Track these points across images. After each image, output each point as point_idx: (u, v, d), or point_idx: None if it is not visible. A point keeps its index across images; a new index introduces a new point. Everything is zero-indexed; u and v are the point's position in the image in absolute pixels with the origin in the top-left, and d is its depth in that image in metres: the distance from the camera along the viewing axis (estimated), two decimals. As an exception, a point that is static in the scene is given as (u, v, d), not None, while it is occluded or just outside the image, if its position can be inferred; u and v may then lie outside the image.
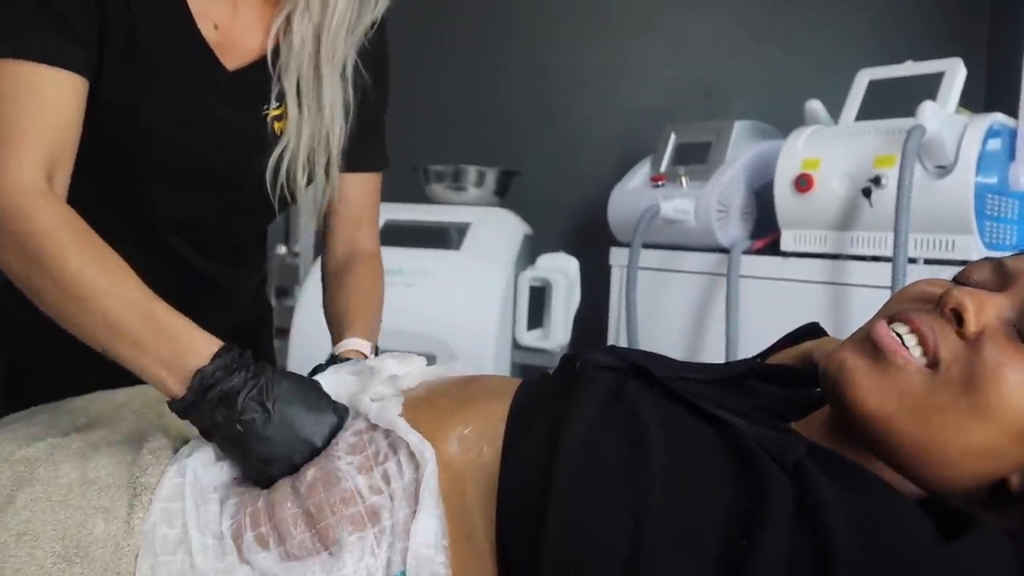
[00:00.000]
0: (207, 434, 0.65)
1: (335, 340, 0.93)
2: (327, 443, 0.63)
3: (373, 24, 0.89)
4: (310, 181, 0.92)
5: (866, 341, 0.58)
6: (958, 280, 0.60)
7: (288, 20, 0.85)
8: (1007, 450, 0.54)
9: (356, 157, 0.95)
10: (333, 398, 0.68)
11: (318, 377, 0.72)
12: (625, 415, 0.57)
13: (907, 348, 0.56)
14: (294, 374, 0.67)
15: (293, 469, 0.62)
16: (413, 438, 0.59)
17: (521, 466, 0.56)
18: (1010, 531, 0.52)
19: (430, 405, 0.64)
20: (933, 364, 0.55)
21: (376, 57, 0.95)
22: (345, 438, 0.63)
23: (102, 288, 0.66)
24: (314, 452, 0.63)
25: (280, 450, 0.62)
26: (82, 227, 0.71)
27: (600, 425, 0.56)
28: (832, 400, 0.60)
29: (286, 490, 0.60)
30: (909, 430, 0.55)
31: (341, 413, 0.66)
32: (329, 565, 0.55)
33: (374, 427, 0.63)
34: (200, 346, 0.65)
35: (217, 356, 0.64)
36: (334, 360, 0.87)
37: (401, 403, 0.64)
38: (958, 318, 0.55)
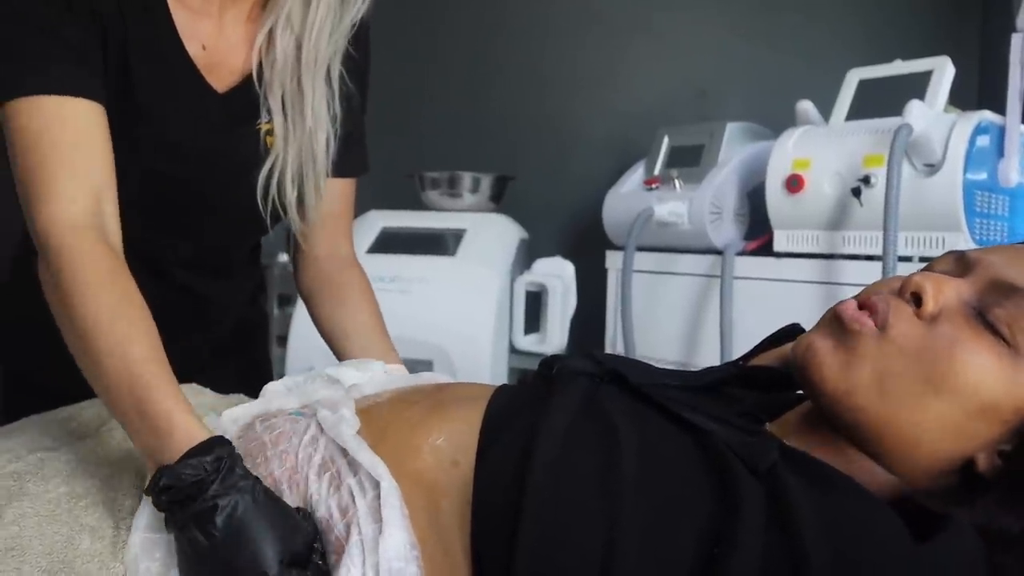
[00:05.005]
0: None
1: (351, 354, 0.91)
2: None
3: (353, 26, 0.89)
4: (300, 193, 0.90)
5: (831, 320, 0.59)
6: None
7: (271, 34, 0.85)
8: (967, 428, 0.55)
9: (341, 162, 0.94)
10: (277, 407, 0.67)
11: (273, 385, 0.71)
12: (598, 423, 0.57)
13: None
14: (265, 496, 0.58)
15: None
16: (365, 458, 0.58)
17: (494, 477, 0.56)
18: (982, 527, 0.52)
19: (398, 417, 0.64)
20: (883, 326, 0.57)
21: (360, 64, 0.95)
22: (313, 459, 0.61)
23: (105, 348, 0.64)
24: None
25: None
26: (111, 271, 0.68)
27: (573, 435, 0.56)
28: (802, 384, 0.61)
29: None
30: (870, 405, 0.56)
31: (306, 536, 0.58)
32: None
33: (330, 439, 0.62)
34: (177, 443, 0.59)
35: (186, 456, 0.58)
36: None
37: (353, 414, 0.64)
38: (917, 300, 0.57)
